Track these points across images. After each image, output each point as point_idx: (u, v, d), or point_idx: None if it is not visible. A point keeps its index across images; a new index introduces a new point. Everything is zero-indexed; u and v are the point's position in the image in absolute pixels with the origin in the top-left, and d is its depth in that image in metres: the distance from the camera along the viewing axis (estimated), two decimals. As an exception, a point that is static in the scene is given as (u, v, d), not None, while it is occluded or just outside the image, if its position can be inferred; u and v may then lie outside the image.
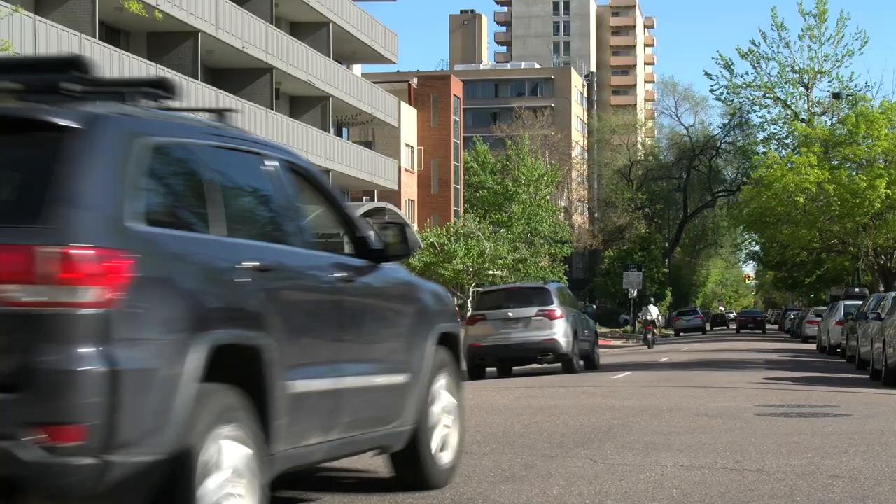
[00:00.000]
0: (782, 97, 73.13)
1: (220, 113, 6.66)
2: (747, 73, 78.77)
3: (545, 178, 78.20)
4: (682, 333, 79.94)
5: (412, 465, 7.80)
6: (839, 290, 50.46)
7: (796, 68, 72.07)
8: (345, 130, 61.90)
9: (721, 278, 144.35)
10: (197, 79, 41.25)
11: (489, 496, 7.48)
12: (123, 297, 4.94)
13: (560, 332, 24.44)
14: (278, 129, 47.10)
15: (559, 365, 25.32)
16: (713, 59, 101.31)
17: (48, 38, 32.35)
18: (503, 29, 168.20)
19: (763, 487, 7.83)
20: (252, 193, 6.63)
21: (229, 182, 6.23)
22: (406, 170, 67.58)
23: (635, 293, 68.51)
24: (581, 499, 7.37)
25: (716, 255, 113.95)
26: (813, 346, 46.69)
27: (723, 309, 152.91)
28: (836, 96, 67.57)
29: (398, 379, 7.42)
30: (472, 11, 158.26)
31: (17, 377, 4.75)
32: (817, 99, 72.92)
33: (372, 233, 7.46)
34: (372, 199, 59.67)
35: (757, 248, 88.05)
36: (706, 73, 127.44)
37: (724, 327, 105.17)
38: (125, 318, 4.95)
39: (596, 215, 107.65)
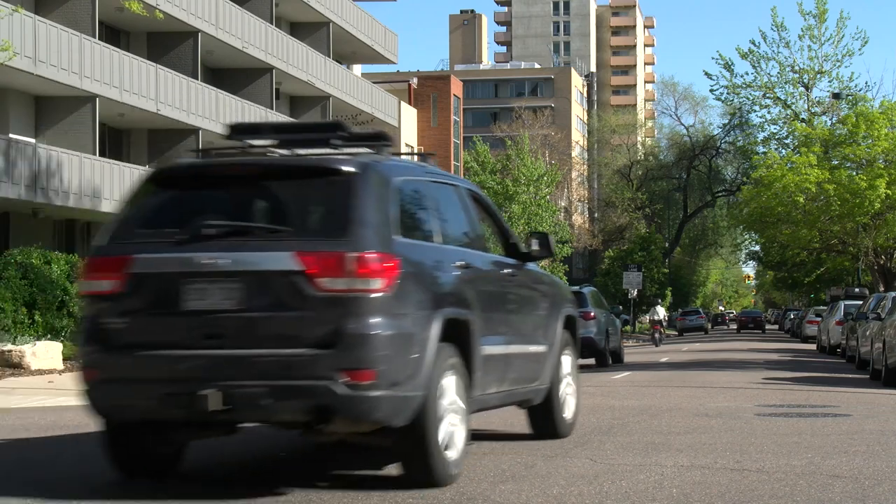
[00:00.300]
0: (782, 97, 73.11)
1: (423, 156, 9.43)
2: (747, 73, 78.73)
3: (545, 178, 78.15)
4: (685, 333, 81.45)
5: (546, 418, 10.49)
6: (839, 290, 50.46)
7: (796, 68, 72.05)
8: (345, 130, 61.89)
9: (721, 278, 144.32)
10: (197, 79, 41.24)
11: (489, 496, 7.48)
12: (394, 286, 7.44)
13: (594, 331, 27.72)
14: (278, 129, 47.07)
15: (592, 360, 28.38)
16: (713, 59, 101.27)
17: (48, 38, 32.33)
18: (503, 29, 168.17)
19: (763, 487, 7.83)
20: (453, 213, 9.02)
21: (441, 206, 8.80)
22: (406, 170, 67.64)
23: (635, 293, 68.54)
24: (581, 499, 7.37)
25: (716, 255, 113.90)
26: (813, 346, 46.68)
27: (723, 309, 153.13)
28: (836, 96, 67.54)
29: (541, 349, 10.01)
30: (472, 11, 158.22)
31: (332, 338, 7.25)
32: (817, 99, 72.90)
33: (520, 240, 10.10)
34: (372, 199, 59.65)
35: (757, 248, 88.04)
36: (706, 73, 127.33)
37: (725, 326, 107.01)
38: (396, 299, 7.46)
39: (596, 215, 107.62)
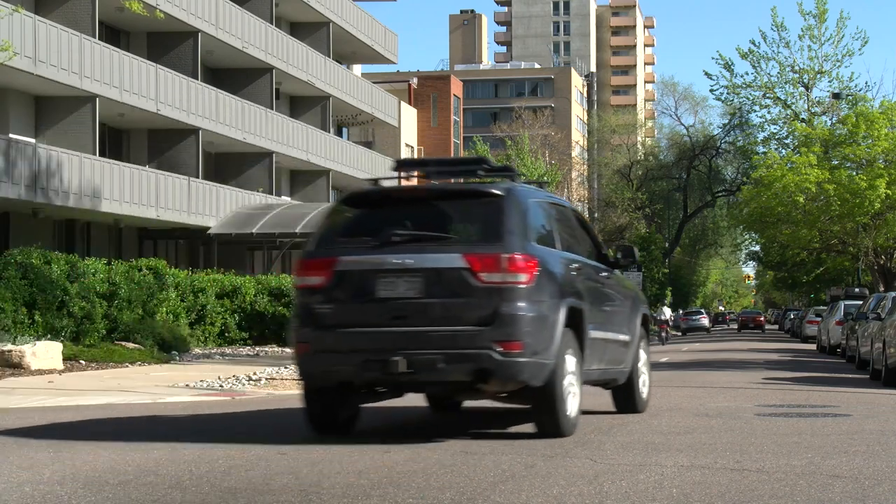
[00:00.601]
0: (782, 97, 73.11)
1: (539, 183, 11.76)
2: (747, 73, 78.78)
3: (545, 178, 78.24)
4: (688, 333, 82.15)
5: (627, 397, 13.04)
6: (839, 290, 50.49)
7: (796, 68, 72.06)
8: (345, 130, 61.88)
9: (721, 278, 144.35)
10: (197, 79, 41.25)
11: (489, 496, 7.48)
12: (534, 279, 9.92)
13: None
14: (278, 129, 47.08)
15: None
16: (713, 59, 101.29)
17: (48, 38, 32.34)
18: (503, 29, 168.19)
19: (763, 487, 7.83)
20: (565, 227, 11.54)
21: (557, 221, 11.29)
22: (406, 170, 67.58)
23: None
24: (581, 499, 7.37)
25: (716, 255, 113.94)
26: (813, 346, 46.69)
27: (723, 309, 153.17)
28: (836, 96, 67.54)
29: (626, 338, 12.46)
30: (472, 11, 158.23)
31: (490, 318, 9.74)
32: (817, 99, 72.91)
33: (610, 250, 12.61)
34: (372, 199, 59.62)
35: (757, 248, 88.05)
36: (706, 73, 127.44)
37: (726, 325, 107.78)
38: (535, 290, 9.93)
39: (596, 215, 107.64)
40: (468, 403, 13.65)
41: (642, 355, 13.14)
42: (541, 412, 10.41)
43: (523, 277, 9.90)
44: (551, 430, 10.39)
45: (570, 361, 10.48)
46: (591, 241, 12.37)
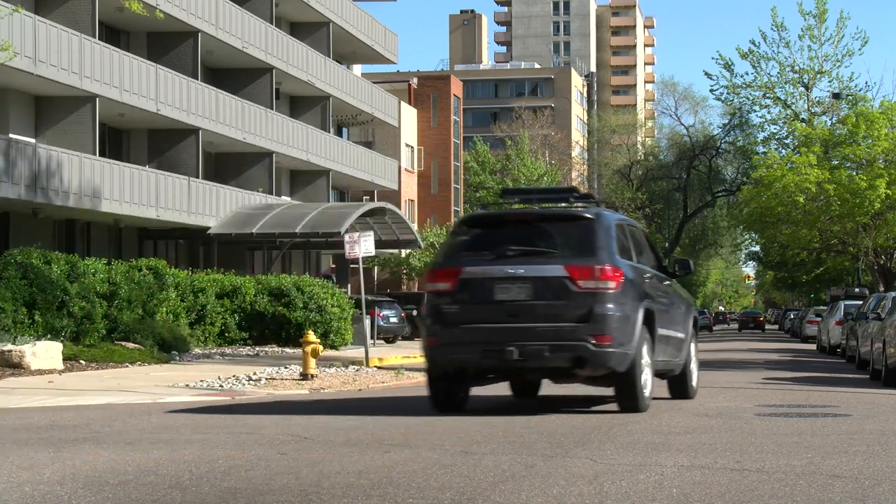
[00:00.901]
0: (782, 97, 73.10)
1: (614, 207, 15.99)
2: (747, 73, 78.73)
3: (545, 178, 78.20)
4: None
5: (681, 385, 15.21)
6: (839, 290, 50.48)
7: (796, 68, 72.04)
8: (345, 130, 61.88)
9: (721, 278, 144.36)
10: (197, 79, 41.24)
11: (489, 496, 7.48)
12: (619, 286, 12.15)
13: None
14: (278, 129, 47.08)
15: None
16: (713, 59, 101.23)
17: (48, 38, 32.34)
18: (503, 29, 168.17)
19: (763, 487, 7.83)
20: (637, 243, 13.85)
21: (631, 238, 13.62)
22: (406, 170, 67.55)
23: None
24: (581, 499, 7.37)
25: (716, 255, 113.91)
26: (813, 346, 46.68)
27: (723, 308, 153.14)
28: (836, 96, 67.54)
29: (682, 335, 14.72)
30: (472, 11, 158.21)
31: (586, 316, 12.04)
32: (817, 99, 72.89)
33: (667, 261, 15.13)
34: (372, 199, 59.67)
35: (757, 248, 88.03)
36: (706, 73, 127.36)
37: (726, 325, 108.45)
38: (621, 294, 12.21)
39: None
40: (542, 392, 16.16)
41: (693, 350, 15.42)
42: (623, 393, 12.91)
43: (612, 284, 12.42)
44: (631, 408, 12.90)
45: (646, 353, 12.94)
46: (654, 255, 14.63)
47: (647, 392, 13.01)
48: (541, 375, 13.82)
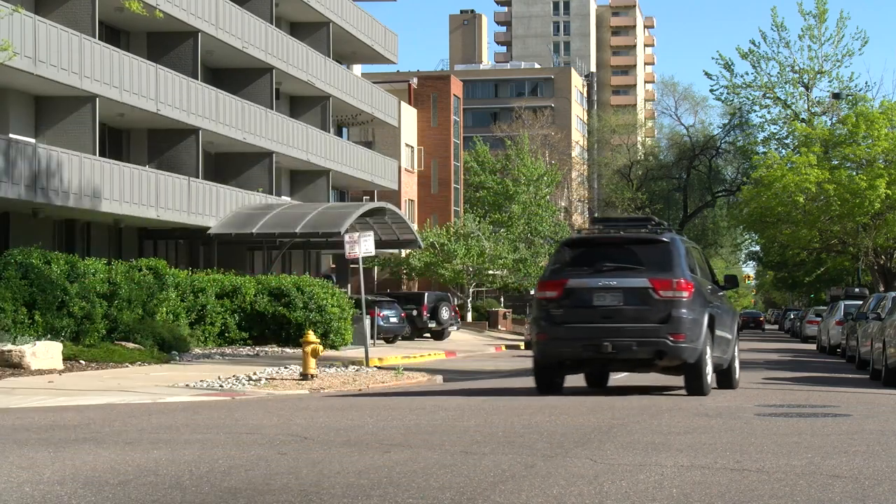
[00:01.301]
0: (782, 97, 73.12)
1: (679, 233, 20.69)
2: (747, 73, 78.79)
3: (545, 178, 78.15)
4: None
5: (727, 379, 17.88)
6: (839, 290, 50.48)
7: (796, 68, 72.07)
8: (345, 130, 61.87)
9: (721, 278, 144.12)
10: (197, 79, 41.23)
11: (489, 496, 7.48)
12: (691, 295, 15.59)
13: None
14: (278, 129, 47.09)
15: None
16: (713, 59, 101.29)
17: (48, 38, 32.34)
18: (503, 29, 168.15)
19: (763, 487, 7.83)
20: (698, 260, 17.01)
21: (695, 258, 16.79)
22: (406, 170, 67.55)
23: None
24: (581, 499, 7.37)
25: (716, 255, 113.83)
26: (813, 346, 46.68)
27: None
28: (836, 96, 67.56)
29: (730, 336, 17.61)
30: (472, 11, 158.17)
31: (666, 319, 15.47)
32: (817, 99, 72.92)
33: (715, 275, 18.57)
34: (372, 199, 59.67)
35: (757, 248, 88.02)
36: (706, 73, 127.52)
37: None
38: (692, 302, 15.60)
39: (596, 215, 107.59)
40: (610, 383, 19.02)
41: (736, 349, 18.30)
42: (691, 380, 16.05)
43: (685, 294, 15.61)
44: (697, 391, 16.00)
45: (708, 349, 15.93)
46: (709, 271, 17.91)
47: (709, 380, 16.14)
48: (628, 366, 16.58)
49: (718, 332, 16.52)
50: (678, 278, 15.56)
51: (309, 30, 52.79)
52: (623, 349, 15.60)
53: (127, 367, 23.46)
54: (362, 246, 27.91)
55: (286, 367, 23.42)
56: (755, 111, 78.08)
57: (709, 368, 16.03)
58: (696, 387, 15.94)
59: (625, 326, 15.54)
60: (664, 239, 16.14)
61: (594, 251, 16.43)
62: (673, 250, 15.95)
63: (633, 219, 18.97)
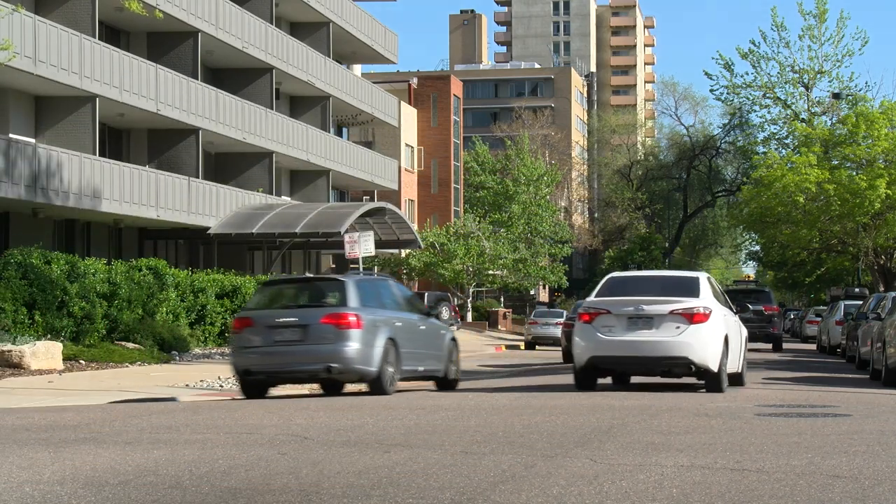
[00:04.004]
0: (782, 97, 73.13)
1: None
2: (747, 73, 78.75)
3: (545, 178, 78.16)
4: None
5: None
6: (839, 290, 50.46)
7: (796, 68, 72.07)
8: (345, 130, 61.88)
9: (721, 278, 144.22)
10: (197, 79, 41.24)
11: (489, 496, 7.48)
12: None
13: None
14: (278, 129, 47.09)
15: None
16: (713, 59, 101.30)
17: (48, 38, 32.34)
18: (503, 29, 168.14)
19: (763, 487, 7.83)
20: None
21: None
22: (406, 170, 67.56)
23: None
24: (581, 499, 7.37)
25: (716, 255, 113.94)
26: (813, 346, 46.67)
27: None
28: (836, 96, 67.56)
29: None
30: (472, 11, 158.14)
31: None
32: (817, 99, 72.93)
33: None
34: (372, 199, 59.67)
35: (757, 248, 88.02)
36: (706, 73, 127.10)
37: None
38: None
39: (596, 215, 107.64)
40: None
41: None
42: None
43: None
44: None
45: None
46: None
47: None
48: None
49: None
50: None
51: (309, 30, 52.80)
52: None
53: (127, 367, 23.46)
54: (362, 246, 27.94)
55: (286, 367, 23.37)
56: (755, 111, 78.13)
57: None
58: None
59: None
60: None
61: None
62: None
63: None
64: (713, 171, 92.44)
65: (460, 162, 75.43)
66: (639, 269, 72.99)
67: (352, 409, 14.48)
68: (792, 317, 77.02)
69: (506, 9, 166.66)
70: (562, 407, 14.39)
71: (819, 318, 48.50)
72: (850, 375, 24.31)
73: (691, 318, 17.67)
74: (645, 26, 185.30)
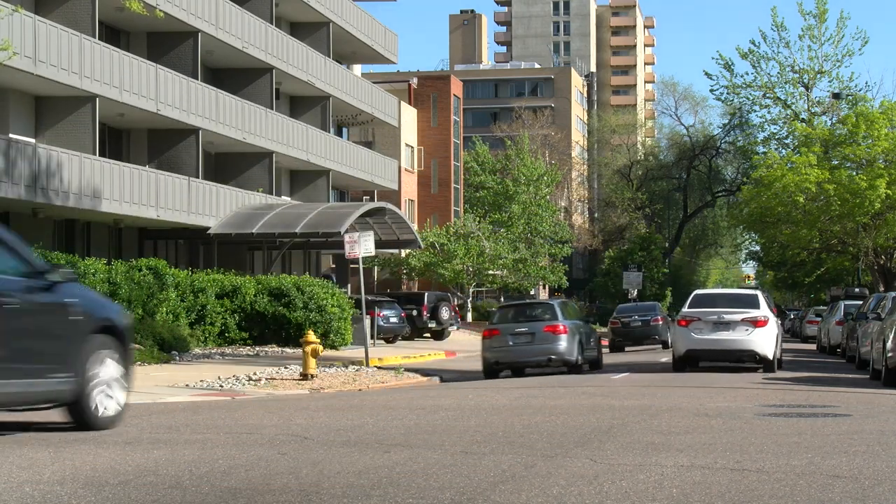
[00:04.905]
0: (782, 97, 73.14)
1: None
2: (747, 73, 78.79)
3: (545, 178, 78.15)
4: None
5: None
6: (839, 290, 50.45)
7: (796, 68, 72.08)
8: (345, 130, 61.87)
9: (721, 278, 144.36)
10: (197, 79, 41.24)
11: (489, 496, 7.49)
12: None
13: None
14: (278, 129, 47.09)
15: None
16: (713, 59, 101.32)
17: (48, 38, 32.34)
18: (503, 29, 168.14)
19: (763, 487, 7.84)
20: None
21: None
22: (406, 170, 67.55)
23: (635, 293, 68.52)
24: (581, 499, 7.38)
25: (716, 255, 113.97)
26: (813, 346, 46.68)
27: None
28: (836, 96, 67.58)
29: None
30: (472, 11, 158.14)
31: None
32: (817, 99, 72.93)
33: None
34: (372, 199, 59.66)
35: (757, 248, 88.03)
36: (706, 73, 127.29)
37: None
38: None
39: (596, 215, 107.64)
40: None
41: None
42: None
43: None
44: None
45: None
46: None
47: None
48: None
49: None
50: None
51: (309, 30, 52.79)
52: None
53: (127, 367, 23.42)
54: (362, 246, 27.93)
55: (286, 367, 23.43)
56: (755, 111, 78.13)
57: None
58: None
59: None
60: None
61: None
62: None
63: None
64: (713, 171, 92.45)
65: (460, 162, 75.43)
66: (639, 269, 73.20)
67: (352, 409, 14.49)
68: (792, 317, 77.03)
69: (506, 9, 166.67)
70: (562, 407, 14.40)
71: (819, 318, 48.49)
72: (850, 375, 24.32)
73: (755, 323, 25.02)
74: (645, 26, 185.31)
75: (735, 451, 9.68)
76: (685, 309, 25.85)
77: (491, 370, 26.63)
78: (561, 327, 26.48)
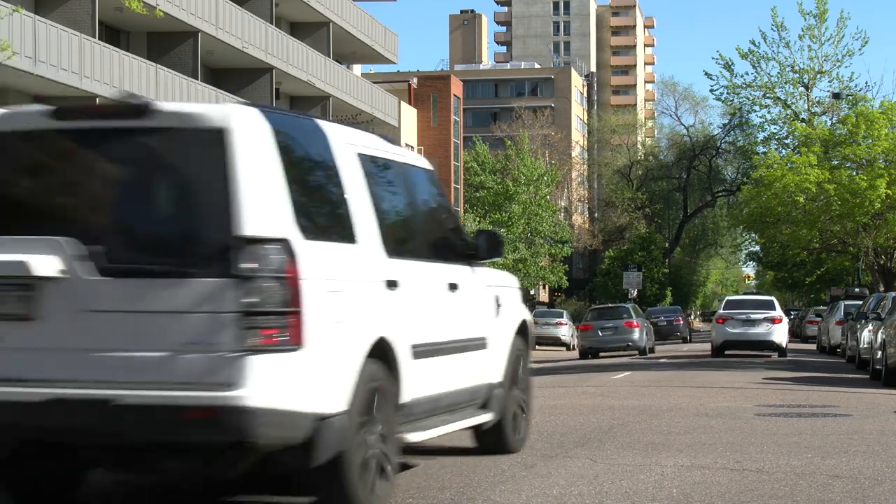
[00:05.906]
0: (782, 97, 73.11)
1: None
2: (747, 73, 78.70)
3: (545, 178, 78.07)
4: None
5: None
6: (839, 290, 50.47)
7: (796, 68, 72.05)
8: (345, 130, 61.84)
9: (721, 278, 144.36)
10: (197, 79, 41.24)
11: (489, 496, 7.49)
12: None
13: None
14: (278, 129, 47.07)
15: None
16: (713, 59, 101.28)
17: (48, 38, 32.34)
18: (503, 29, 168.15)
19: (763, 487, 7.84)
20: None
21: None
22: (406, 170, 67.52)
23: (635, 293, 68.54)
24: (581, 499, 7.38)
25: (716, 255, 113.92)
26: (813, 346, 46.69)
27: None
28: (836, 96, 67.56)
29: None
30: (472, 11, 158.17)
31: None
32: (817, 99, 72.91)
33: None
34: (372, 199, 59.59)
35: (757, 248, 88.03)
36: (706, 73, 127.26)
37: None
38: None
39: (596, 215, 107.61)
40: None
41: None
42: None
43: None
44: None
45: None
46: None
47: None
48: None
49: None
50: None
51: (309, 30, 52.80)
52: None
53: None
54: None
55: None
56: (755, 111, 78.04)
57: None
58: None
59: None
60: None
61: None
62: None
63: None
64: (713, 171, 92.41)
65: (460, 162, 75.44)
66: (639, 269, 73.76)
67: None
68: (792, 317, 77.03)
69: (506, 9, 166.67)
70: (562, 407, 14.40)
71: (819, 318, 48.48)
72: (850, 375, 24.32)
73: (773, 321, 32.87)
74: (645, 26, 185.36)
75: (735, 451, 9.68)
76: (721, 310, 34.63)
77: (585, 353, 38.99)
78: (635, 323, 38.60)
